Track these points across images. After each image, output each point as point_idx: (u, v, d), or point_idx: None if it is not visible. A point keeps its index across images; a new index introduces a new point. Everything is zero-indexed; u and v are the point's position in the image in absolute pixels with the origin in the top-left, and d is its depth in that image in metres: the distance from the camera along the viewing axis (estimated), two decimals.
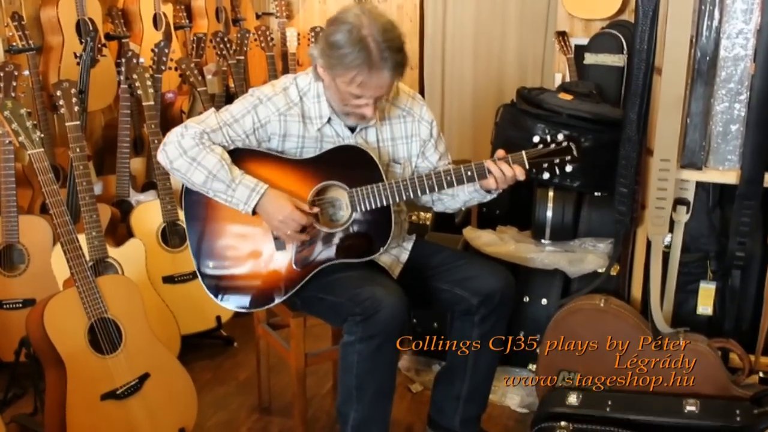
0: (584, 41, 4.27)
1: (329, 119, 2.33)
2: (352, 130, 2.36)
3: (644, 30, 2.48)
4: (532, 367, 3.01)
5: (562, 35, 4.42)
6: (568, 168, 2.28)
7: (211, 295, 2.36)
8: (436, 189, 2.28)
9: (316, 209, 2.27)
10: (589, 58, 3.99)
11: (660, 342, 2.59)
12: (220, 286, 2.36)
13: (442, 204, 2.53)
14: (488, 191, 2.37)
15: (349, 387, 2.26)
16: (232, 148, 2.29)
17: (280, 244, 2.33)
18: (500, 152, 2.30)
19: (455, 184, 2.29)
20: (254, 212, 2.24)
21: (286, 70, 4.81)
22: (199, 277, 2.36)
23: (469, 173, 2.27)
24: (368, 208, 2.28)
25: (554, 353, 2.70)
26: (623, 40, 3.97)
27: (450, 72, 5.24)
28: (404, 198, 2.29)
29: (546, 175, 2.29)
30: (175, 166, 2.23)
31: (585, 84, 3.64)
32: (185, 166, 2.22)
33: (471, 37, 5.13)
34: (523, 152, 2.28)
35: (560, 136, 2.28)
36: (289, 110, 2.30)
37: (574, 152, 2.27)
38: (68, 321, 2.32)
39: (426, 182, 2.28)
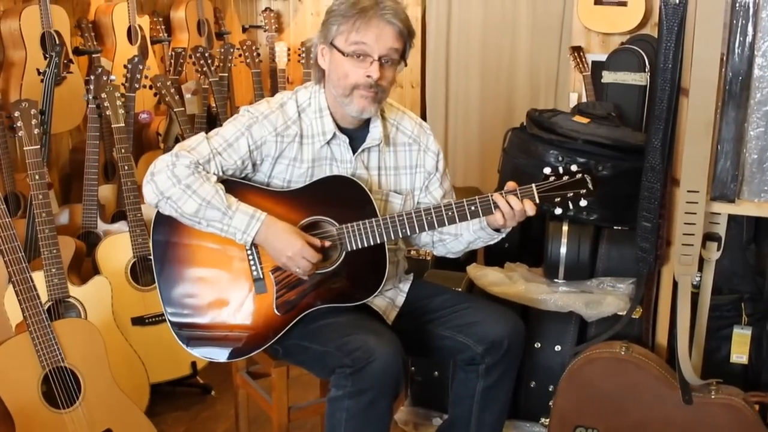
0: (602, 58, 4.29)
1: (333, 135, 2.32)
2: (354, 150, 2.35)
3: (669, 47, 2.47)
4: (545, 421, 2.98)
5: (577, 51, 4.44)
6: (583, 202, 2.28)
7: (182, 345, 2.31)
8: (436, 225, 2.26)
9: (327, 243, 2.25)
10: (608, 77, 4.01)
11: (689, 396, 2.55)
12: (191, 335, 2.31)
13: (444, 246, 2.51)
14: (496, 230, 2.34)
15: None
16: (224, 178, 2.28)
17: (260, 286, 2.29)
18: (510, 184, 2.28)
19: (457, 220, 2.26)
20: (254, 244, 2.23)
21: (274, 89, 4.80)
22: (168, 325, 2.31)
23: (473, 208, 2.25)
24: (359, 247, 2.26)
25: (569, 407, 2.68)
26: (645, 57, 3.98)
27: (455, 92, 5.25)
28: (400, 236, 2.28)
29: (558, 210, 2.29)
30: (167, 195, 2.20)
31: (603, 105, 3.65)
32: (178, 194, 2.19)
33: (477, 54, 5.14)
34: (533, 185, 2.26)
35: (574, 167, 2.28)
36: (287, 130, 2.30)
37: (589, 185, 2.27)
38: (19, 371, 2.31)
39: (425, 218, 2.26)
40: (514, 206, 2.23)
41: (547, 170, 2.29)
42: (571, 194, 2.27)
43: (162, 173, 2.21)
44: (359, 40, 2.19)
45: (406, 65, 2.31)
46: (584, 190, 2.27)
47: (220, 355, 2.32)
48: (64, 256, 2.82)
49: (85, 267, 3.16)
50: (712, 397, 2.53)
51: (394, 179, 2.44)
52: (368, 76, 2.21)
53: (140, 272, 3.19)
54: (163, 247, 2.31)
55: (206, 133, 2.31)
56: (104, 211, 3.64)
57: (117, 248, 3.17)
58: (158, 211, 2.27)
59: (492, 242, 2.42)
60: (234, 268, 2.29)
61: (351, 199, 2.28)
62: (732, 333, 2.80)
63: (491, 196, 2.25)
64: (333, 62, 2.26)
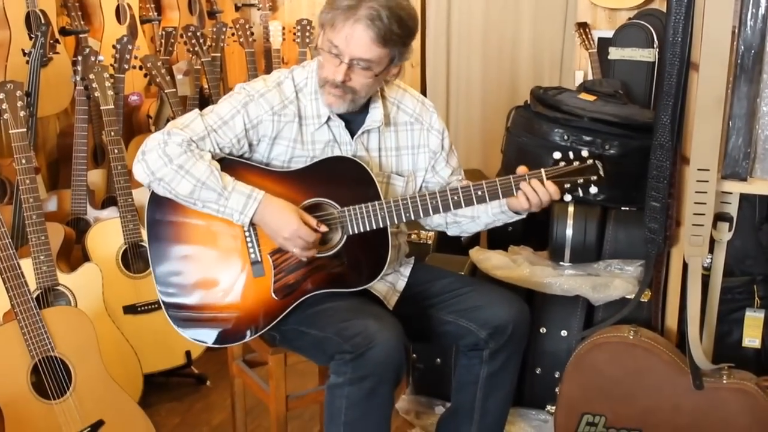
0: (609, 34, 4.29)
1: (329, 118, 2.31)
2: (352, 134, 2.34)
3: (678, 19, 2.46)
4: (551, 408, 2.99)
5: (583, 27, 4.43)
6: (593, 189, 2.28)
7: (176, 328, 2.31)
8: (441, 210, 2.27)
9: (324, 227, 2.24)
10: (615, 53, 4.01)
11: (699, 381, 2.55)
12: (186, 317, 2.31)
13: (459, 227, 2.51)
14: (516, 212, 2.34)
15: None
16: (220, 156, 2.27)
17: (258, 269, 2.29)
18: (522, 168, 2.27)
19: (463, 204, 2.26)
20: (251, 224, 2.22)
21: (269, 69, 4.78)
22: (162, 306, 2.31)
23: (479, 192, 2.25)
24: (361, 230, 2.26)
25: (575, 393, 2.68)
26: (653, 32, 3.99)
27: (456, 70, 5.23)
28: (404, 220, 2.28)
29: (567, 197, 2.28)
30: (159, 176, 2.19)
31: (610, 82, 3.66)
32: (171, 174, 2.18)
33: (480, 31, 5.12)
34: (542, 170, 2.26)
35: (585, 152, 2.27)
36: (284, 109, 2.29)
37: (600, 172, 2.27)
38: (7, 361, 2.31)
39: (429, 202, 2.26)
40: (539, 191, 2.23)
41: (557, 155, 2.28)
42: (582, 180, 2.26)
43: (153, 152, 2.19)
44: (331, 39, 2.17)
45: (396, 66, 2.28)
46: (595, 177, 2.27)
47: (213, 338, 2.31)
48: (52, 243, 2.81)
49: (74, 254, 3.16)
50: (724, 382, 2.53)
51: (396, 160, 2.43)
52: (336, 72, 2.20)
53: (132, 259, 3.18)
54: (158, 226, 2.30)
55: (200, 110, 2.31)
56: (94, 197, 3.63)
57: (107, 235, 3.16)
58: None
59: (511, 221, 2.42)
60: (231, 249, 2.29)
61: (354, 181, 2.28)
62: (744, 316, 2.80)
63: (498, 181, 2.25)
64: (322, 50, 2.25)
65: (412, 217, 2.26)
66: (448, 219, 2.49)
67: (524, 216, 2.38)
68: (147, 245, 2.33)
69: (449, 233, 2.55)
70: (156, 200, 2.28)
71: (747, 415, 2.51)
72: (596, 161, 2.26)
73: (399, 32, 2.16)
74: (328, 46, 2.18)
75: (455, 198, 2.25)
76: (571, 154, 2.26)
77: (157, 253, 2.30)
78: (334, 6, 2.16)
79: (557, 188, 2.24)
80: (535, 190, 2.23)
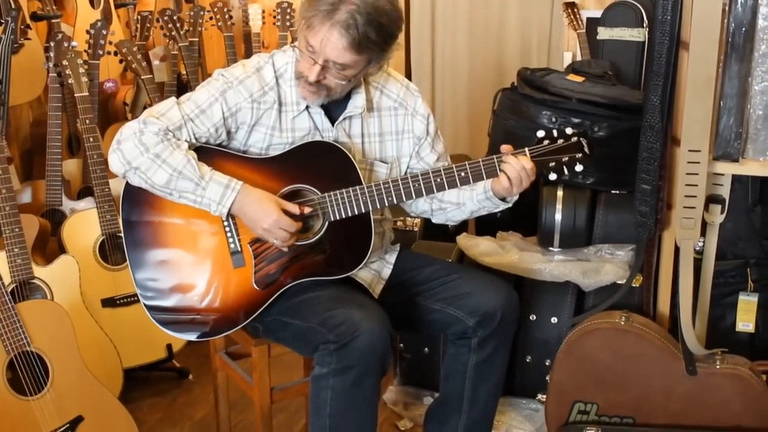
0: (597, 14, 4.26)
1: (308, 106, 2.30)
2: (333, 121, 2.33)
3: None
4: (542, 397, 3.00)
5: (571, 7, 4.42)
6: (579, 167, 2.28)
7: (155, 322, 2.30)
8: (425, 193, 2.27)
9: (307, 209, 2.24)
10: (603, 33, 4.01)
11: (692, 367, 2.56)
12: (165, 310, 2.30)
13: (444, 215, 2.51)
14: (503, 199, 2.34)
15: (322, 429, 2.21)
16: (197, 146, 2.26)
17: (238, 259, 2.29)
18: (506, 147, 2.27)
19: (446, 186, 2.25)
20: (230, 215, 2.22)
21: (248, 54, 4.75)
22: (141, 299, 2.31)
23: (462, 174, 2.25)
24: (343, 216, 2.26)
25: (567, 381, 2.69)
26: (643, 11, 3.98)
27: (441, 52, 5.20)
28: (386, 204, 2.28)
29: (553, 176, 2.29)
30: (135, 165, 2.18)
31: (598, 63, 3.66)
32: (147, 164, 2.17)
33: (465, 11, 5.09)
34: (526, 149, 2.26)
35: (569, 130, 2.28)
36: (263, 96, 2.29)
37: (585, 149, 2.27)
38: None
39: (412, 185, 2.26)
40: (517, 166, 2.21)
41: (540, 133, 2.28)
42: (567, 158, 2.27)
43: (129, 141, 2.19)
44: (308, 39, 2.16)
45: (376, 66, 2.27)
46: (580, 155, 2.27)
47: (196, 331, 2.31)
48: (27, 236, 2.81)
49: (50, 247, 3.14)
50: (717, 367, 2.54)
51: (379, 146, 2.43)
52: (309, 72, 2.20)
53: (110, 251, 3.17)
54: (133, 218, 2.29)
55: (177, 96, 2.30)
56: (69, 188, 3.61)
57: (84, 226, 3.14)
58: (128, 181, 2.26)
59: (496, 210, 2.42)
60: (210, 240, 2.28)
61: (334, 166, 2.27)
62: (737, 300, 2.82)
63: (481, 160, 2.25)
64: (300, 44, 2.23)
65: (395, 201, 2.26)
66: (433, 205, 2.49)
67: (510, 205, 2.38)
68: (123, 237, 2.33)
69: (434, 221, 2.55)
70: (131, 191, 2.27)
71: (741, 400, 2.52)
72: (581, 138, 2.26)
73: (376, 39, 2.14)
74: (305, 45, 2.17)
75: (438, 180, 2.25)
76: (555, 132, 2.27)
77: (133, 245, 2.30)
78: (314, 6, 2.13)
79: (532, 164, 2.23)
80: (513, 166, 2.22)
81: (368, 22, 2.10)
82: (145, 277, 2.29)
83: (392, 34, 2.19)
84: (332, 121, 2.34)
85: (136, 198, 2.27)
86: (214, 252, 2.28)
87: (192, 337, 2.33)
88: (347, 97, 2.34)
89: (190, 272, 2.30)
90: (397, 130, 2.44)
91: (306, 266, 2.29)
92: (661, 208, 2.64)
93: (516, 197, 2.34)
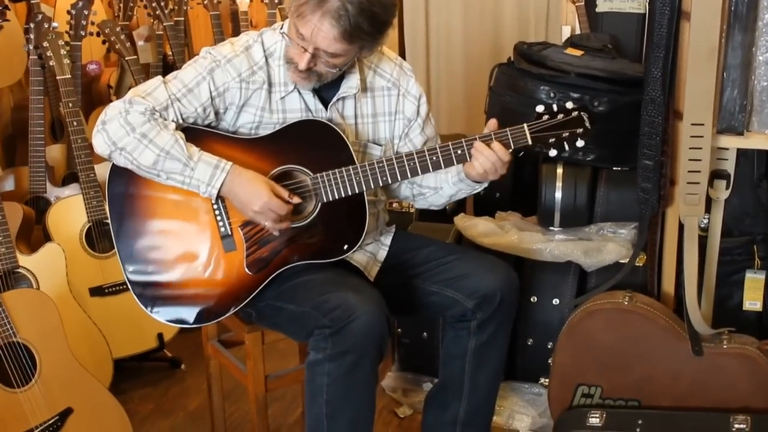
0: None
1: (295, 86, 2.30)
2: (326, 103, 2.33)
3: None
4: (544, 381, 3.01)
5: None
6: (579, 143, 2.27)
7: (144, 309, 2.30)
8: (409, 175, 2.26)
9: (297, 199, 2.24)
10: (603, 5, 3.99)
11: (699, 347, 2.57)
12: (155, 296, 2.31)
13: (425, 199, 2.53)
14: (477, 182, 2.34)
15: (318, 416, 2.22)
16: (184, 126, 2.26)
17: (229, 243, 2.29)
18: (492, 123, 2.26)
19: (431, 168, 2.25)
20: (219, 197, 2.21)
21: (236, 33, 4.73)
22: (129, 286, 2.30)
23: (434, 158, 2.24)
24: (336, 197, 2.26)
25: (570, 364, 2.70)
26: None
27: (436, 26, 5.18)
28: (380, 184, 2.28)
29: (553, 152, 2.29)
30: (120, 146, 2.18)
31: (598, 37, 3.65)
32: (133, 144, 2.17)
33: None
34: (525, 125, 2.25)
35: (569, 104, 2.27)
36: (252, 76, 2.28)
37: (587, 123, 2.26)
38: None
39: (407, 163, 2.25)
40: (484, 152, 2.21)
41: (539, 108, 2.27)
42: (567, 134, 2.26)
43: (114, 121, 2.18)
44: (298, 27, 2.15)
45: (368, 51, 2.26)
46: (581, 129, 2.26)
47: (187, 317, 2.31)
48: (11, 224, 2.80)
49: (35, 235, 3.14)
50: (724, 347, 2.55)
51: (372, 128, 2.43)
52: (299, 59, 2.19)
53: (97, 238, 3.17)
54: (120, 201, 2.29)
55: (163, 77, 2.29)
56: (53, 174, 3.60)
57: (69, 213, 3.14)
58: (113, 163, 2.25)
59: (475, 192, 2.42)
60: (200, 223, 2.29)
61: (326, 145, 2.27)
62: (744, 278, 2.82)
63: (451, 144, 2.25)
64: (290, 29, 2.22)
65: (389, 181, 2.26)
66: (414, 191, 2.51)
67: (486, 185, 2.38)
68: (110, 221, 2.33)
69: (417, 206, 2.57)
70: (117, 173, 2.27)
71: (749, 380, 2.53)
72: (581, 113, 2.26)
73: (368, 29, 2.13)
74: (295, 33, 2.17)
75: (411, 164, 2.24)
76: (554, 107, 2.26)
77: (121, 229, 2.30)
78: None
79: (502, 146, 2.22)
80: (482, 153, 2.21)
81: (360, 12, 2.09)
82: (135, 268, 2.29)
83: (385, 22, 2.18)
84: (324, 101, 2.34)
85: (123, 178, 2.27)
86: (204, 235, 2.28)
87: (183, 324, 2.33)
88: (340, 77, 2.33)
89: (179, 258, 2.30)
90: (390, 110, 2.44)
91: (299, 249, 2.29)
92: (664, 184, 2.65)
93: (487, 181, 2.33)
